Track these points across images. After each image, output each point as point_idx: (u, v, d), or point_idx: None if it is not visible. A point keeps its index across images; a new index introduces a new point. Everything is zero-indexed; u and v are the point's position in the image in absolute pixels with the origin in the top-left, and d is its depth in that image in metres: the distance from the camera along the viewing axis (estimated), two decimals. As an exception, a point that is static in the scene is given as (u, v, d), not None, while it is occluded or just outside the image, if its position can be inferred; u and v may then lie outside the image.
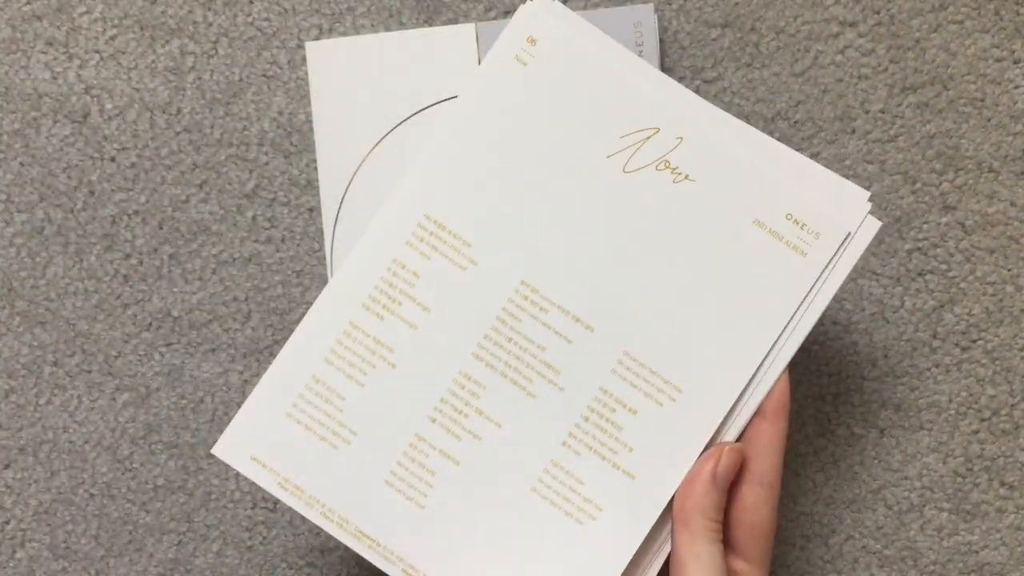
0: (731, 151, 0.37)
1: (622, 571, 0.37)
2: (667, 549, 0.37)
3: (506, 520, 0.37)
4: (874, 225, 0.37)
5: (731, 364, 0.36)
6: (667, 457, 0.37)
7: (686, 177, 0.37)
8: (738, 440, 0.37)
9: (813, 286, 0.37)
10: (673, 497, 0.37)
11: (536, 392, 0.37)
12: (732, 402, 0.36)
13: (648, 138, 0.37)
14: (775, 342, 0.37)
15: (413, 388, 0.37)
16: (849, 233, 0.37)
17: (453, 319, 0.37)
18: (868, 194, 0.37)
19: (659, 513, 0.37)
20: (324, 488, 0.37)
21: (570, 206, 0.37)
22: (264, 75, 0.45)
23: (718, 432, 0.37)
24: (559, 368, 0.37)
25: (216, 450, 0.37)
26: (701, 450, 0.37)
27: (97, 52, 0.45)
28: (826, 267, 0.37)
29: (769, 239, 0.37)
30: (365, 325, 0.37)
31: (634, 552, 0.37)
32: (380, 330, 0.37)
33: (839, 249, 0.37)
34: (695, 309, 0.37)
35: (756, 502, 0.36)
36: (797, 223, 0.37)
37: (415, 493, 0.37)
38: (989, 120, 0.44)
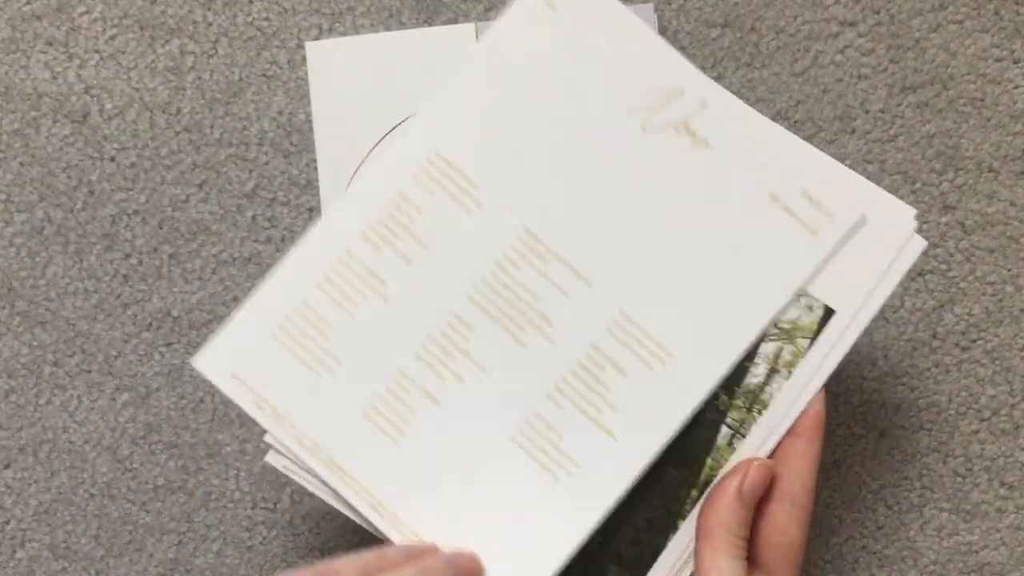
0: (754, 122, 0.36)
1: (588, 531, 0.36)
2: (692, 565, 0.36)
3: (480, 466, 0.36)
4: (919, 244, 0.36)
5: (726, 336, 0.36)
6: (651, 421, 0.36)
7: (705, 143, 0.36)
8: (770, 457, 0.36)
9: (820, 267, 0.36)
10: (699, 509, 0.36)
11: (526, 341, 0.36)
12: (723, 373, 0.36)
13: (670, 100, 0.36)
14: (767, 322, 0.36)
15: (402, 323, 0.37)
16: (863, 216, 0.36)
17: (451, 259, 0.37)
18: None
19: (634, 476, 0.36)
20: (301, 413, 0.36)
21: (584, 159, 0.36)
22: (264, 75, 0.45)
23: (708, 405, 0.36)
24: (552, 320, 0.36)
25: (196, 362, 0.36)
26: (685, 418, 0.36)
27: (97, 52, 0.45)
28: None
29: (781, 215, 0.36)
30: (361, 255, 0.37)
31: (604, 512, 0.36)
32: (376, 262, 0.37)
33: (850, 231, 0.36)
34: (697, 276, 0.36)
35: (787, 522, 0.35)
36: (812, 201, 0.36)
37: (392, 429, 0.36)
38: (989, 120, 0.44)
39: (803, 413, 0.36)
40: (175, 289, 0.45)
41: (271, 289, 0.37)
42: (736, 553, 0.34)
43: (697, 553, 0.35)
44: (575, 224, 0.36)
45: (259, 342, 0.37)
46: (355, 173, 0.43)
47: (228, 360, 0.37)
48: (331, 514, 0.45)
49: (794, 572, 0.36)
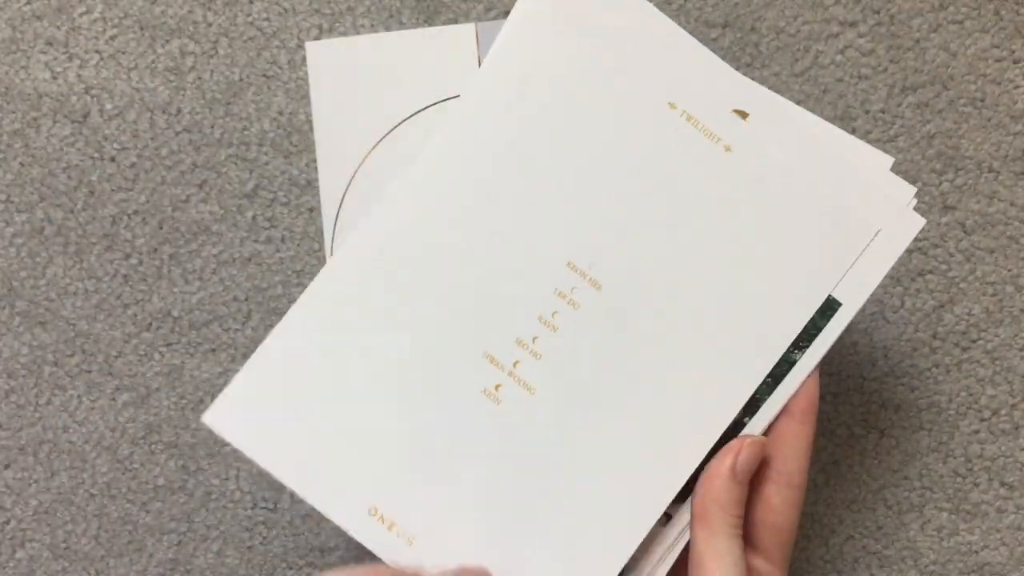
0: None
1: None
2: (682, 542, 0.36)
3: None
4: (917, 222, 0.36)
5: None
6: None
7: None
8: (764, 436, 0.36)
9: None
10: (690, 489, 0.36)
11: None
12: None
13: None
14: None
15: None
16: (879, 230, 0.36)
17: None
18: (914, 190, 0.36)
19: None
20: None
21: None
22: (264, 75, 0.45)
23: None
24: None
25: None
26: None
27: (97, 52, 0.45)
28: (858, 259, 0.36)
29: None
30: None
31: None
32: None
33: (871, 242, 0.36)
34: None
35: (781, 503, 0.36)
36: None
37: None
38: (989, 120, 0.44)
39: (797, 393, 0.36)
40: (175, 289, 0.45)
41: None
42: (732, 533, 0.34)
43: (694, 535, 0.35)
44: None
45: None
46: (355, 173, 0.43)
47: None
48: (331, 514, 0.45)
49: (788, 552, 0.36)
